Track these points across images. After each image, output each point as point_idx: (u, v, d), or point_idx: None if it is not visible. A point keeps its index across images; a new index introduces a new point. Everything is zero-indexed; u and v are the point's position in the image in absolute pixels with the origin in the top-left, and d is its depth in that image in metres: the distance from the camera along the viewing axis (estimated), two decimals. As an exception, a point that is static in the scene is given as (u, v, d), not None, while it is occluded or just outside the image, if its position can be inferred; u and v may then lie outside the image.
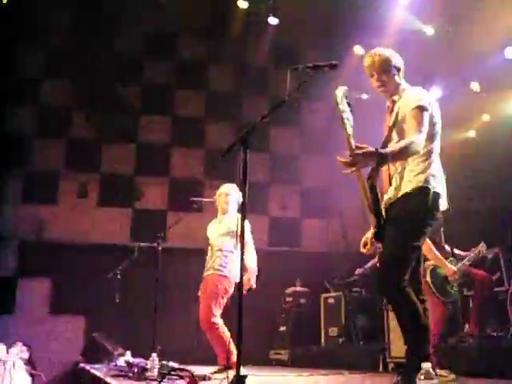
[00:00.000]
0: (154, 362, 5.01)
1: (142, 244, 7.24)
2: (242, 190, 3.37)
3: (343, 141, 3.71)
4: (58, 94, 10.78)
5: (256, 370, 6.73)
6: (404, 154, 3.45)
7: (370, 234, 3.80)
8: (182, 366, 4.32)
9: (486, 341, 5.97)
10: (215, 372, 5.51)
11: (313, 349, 8.99)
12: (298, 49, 11.22)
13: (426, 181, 3.57)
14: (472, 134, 9.92)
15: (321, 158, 10.59)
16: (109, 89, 10.73)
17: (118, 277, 7.74)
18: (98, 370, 6.67)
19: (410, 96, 3.69)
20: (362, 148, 3.38)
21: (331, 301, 9.12)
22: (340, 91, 3.52)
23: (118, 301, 7.74)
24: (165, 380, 4.28)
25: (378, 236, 3.68)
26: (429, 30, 9.21)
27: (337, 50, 9.14)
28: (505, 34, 8.14)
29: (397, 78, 3.81)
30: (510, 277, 6.61)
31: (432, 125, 3.64)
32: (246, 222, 6.27)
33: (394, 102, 3.80)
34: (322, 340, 9.16)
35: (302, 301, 9.95)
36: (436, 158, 3.71)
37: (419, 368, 2.76)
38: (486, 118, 9.57)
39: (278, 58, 11.04)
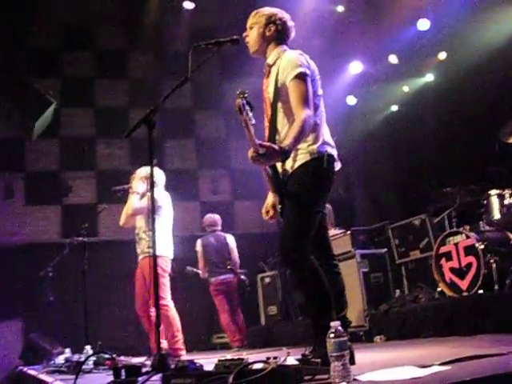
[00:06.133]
0: (87, 355, 4.97)
1: (71, 240, 7.12)
2: (150, 169, 3.30)
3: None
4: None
5: (199, 354, 6.76)
6: (303, 137, 3.34)
7: (269, 199, 3.70)
8: (115, 356, 4.28)
9: (414, 305, 6.14)
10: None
11: (254, 329, 9.07)
12: (217, 32, 11.13)
13: (319, 150, 3.45)
14: (395, 107, 10.17)
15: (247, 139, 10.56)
16: (27, 85, 10.37)
17: (50, 274, 7.59)
18: (35, 370, 6.55)
19: (286, 62, 3.48)
20: (265, 147, 3.20)
21: (268, 280, 9.20)
22: (239, 98, 3.15)
23: (52, 299, 7.60)
24: (100, 369, 4.26)
25: (282, 213, 3.55)
26: (339, 8, 9.25)
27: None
28: (416, 6, 8.38)
29: (274, 37, 3.63)
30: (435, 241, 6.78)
31: (313, 89, 3.48)
32: (167, 195, 6.17)
33: (269, 66, 3.62)
34: (262, 319, 9.25)
35: (240, 283, 10.00)
36: (323, 122, 3.57)
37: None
38: (405, 89, 9.80)
39: (197, 42, 10.87)
